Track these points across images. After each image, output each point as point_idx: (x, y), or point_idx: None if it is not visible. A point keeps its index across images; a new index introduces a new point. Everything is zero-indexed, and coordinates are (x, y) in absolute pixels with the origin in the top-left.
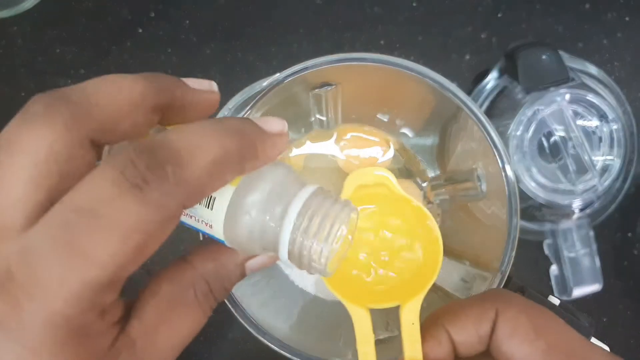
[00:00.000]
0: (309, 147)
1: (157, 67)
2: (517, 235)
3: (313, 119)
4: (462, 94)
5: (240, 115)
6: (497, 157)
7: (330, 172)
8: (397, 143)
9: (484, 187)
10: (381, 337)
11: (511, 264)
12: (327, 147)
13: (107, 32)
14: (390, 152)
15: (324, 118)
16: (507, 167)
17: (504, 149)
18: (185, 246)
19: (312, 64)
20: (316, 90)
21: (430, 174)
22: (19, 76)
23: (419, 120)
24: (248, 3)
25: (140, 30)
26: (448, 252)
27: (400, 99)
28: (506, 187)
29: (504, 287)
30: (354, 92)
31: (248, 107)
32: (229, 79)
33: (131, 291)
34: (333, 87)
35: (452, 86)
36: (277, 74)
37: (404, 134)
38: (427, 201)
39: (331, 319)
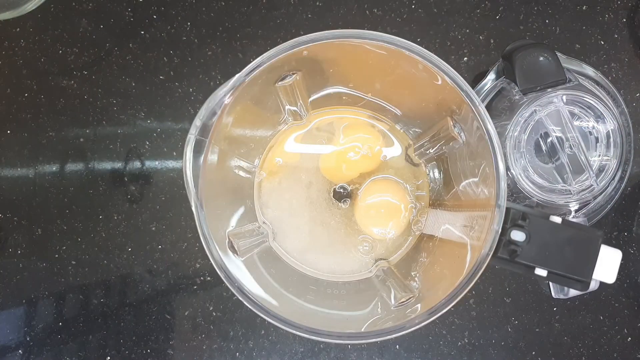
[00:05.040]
0: (289, 142)
1: (159, 69)
2: (505, 170)
3: (286, 111)
4: (439, 62)
5: (213, 121)
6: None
7: (313, 168)
8: (388, 123)
9: (463, 136)
10: (402, 300)
11: (506, 196)
12: (314, 147)
13: (109, 33)
14: (380, 140)
15: (295, 108)
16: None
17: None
18: (186, 246)
19: (267, 56)
20: (280, 82)
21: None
22: (21, 77)
23: (405, 98)
24: (249, 4)
25: (142, 32)
26: (446, 207)
27: (384, 78)
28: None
29: (505, 218)
30: (345, 72)
31: (219, 112)
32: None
33: (132, 291)
34: (295, 75)
35: (436, 59)
36: (237, 75)
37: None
38: (413, 163)
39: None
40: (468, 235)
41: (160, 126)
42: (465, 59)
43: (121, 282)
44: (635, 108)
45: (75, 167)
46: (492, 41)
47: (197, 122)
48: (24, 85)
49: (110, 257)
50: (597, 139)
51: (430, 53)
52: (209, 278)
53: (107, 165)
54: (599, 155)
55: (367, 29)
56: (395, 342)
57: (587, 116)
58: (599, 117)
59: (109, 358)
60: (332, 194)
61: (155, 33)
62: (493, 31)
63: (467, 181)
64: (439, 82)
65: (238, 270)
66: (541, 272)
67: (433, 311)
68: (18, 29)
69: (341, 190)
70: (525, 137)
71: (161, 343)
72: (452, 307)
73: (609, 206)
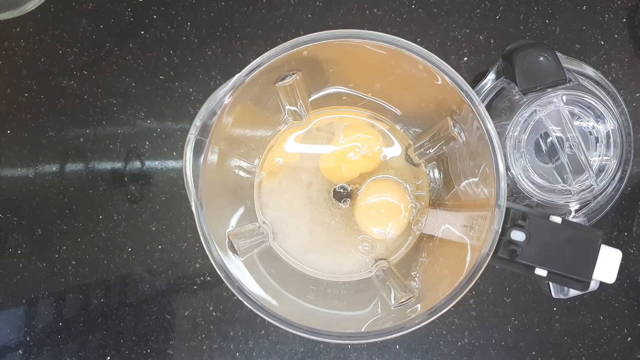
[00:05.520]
0: (289, 142)
1: (159, 69)
2: (505, 170)
3: (286, 111)
4: (439, 62)
5: (213, 121)
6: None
7: (313, 168)
8: (388, 123)
9: (463, 136)
10: (402, 300)
11: (506, 196)
12: (316, 148)
13: (109, 33)
14: (380, 141)
15: (295, 108)
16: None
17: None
18: (186, 246)
19: (267, 56)
20: (280, 82)
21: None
22: (21, 77)
23: (405, 98)
24: (249, 4)
25: (142, 32)
26: (446, 207)
27: (386, 79)
28: (487, 135)
29: (505, 218)
30: (345, 72)
31: (219, 112)
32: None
33: (132, 291)
34: (295, 75)
35: (436, 59)
36: (237, 75)
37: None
38: (413, 163)
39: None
40: (468, 235)
41: (160, 126)
42: (465, 59)
43: (121, 282)
44: (635, 108)
45: (75, 167)
46: (492, 41)
47: (197, 122)
48: (24, 85)
49: (110, 257)
50: (597, 139)
51: (430, 53)
52: (209, 278)
53: (107, 165)
54: (599, 155)
55: (367, 29)
56: (395, 342)
57: (587, 116)
58: (599, 117)
59: (109, 358)
60: (332, 194)
61: (155, 33)
62: (493, 31)
63: (467, 181)
64: (439, 82)
65: (238, 270)
66: (541, 272)
67: (433, 311)
68: (18, 29)
69: (341, 190)
70: (525, 137)
71: (161, 343)
72: (452, 307)
73: (609, 206)
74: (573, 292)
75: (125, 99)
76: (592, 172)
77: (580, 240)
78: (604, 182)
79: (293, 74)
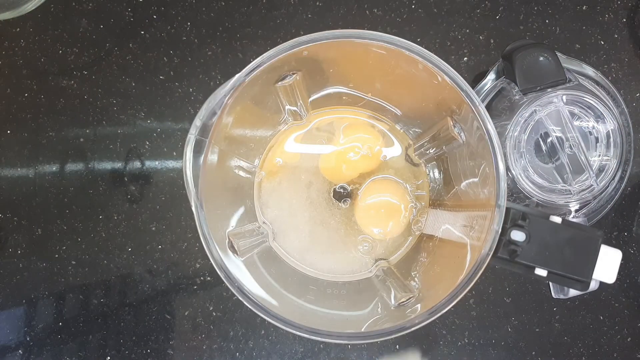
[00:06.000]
0: (289, 142)
1: (159, 69)
2: (505, 170)
3: (286, 111)
4: (438, 62)
5: (213, 121)
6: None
7: (313, 168)
8: (388, 123)
9: (463, 136)
10: (402, 300)
11: (506, 196)
12: (316, 148)
13: (109, 33)
14: (380, 141)
15: (295, 108)
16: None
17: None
18: (186, 246)
19: (267, 56)
20: (280, 82)
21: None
22: (21, 77)
23: (405, 97)
24: (249, 4)
25: (142, 32)
26: (446, 207)
27: (386, 78)
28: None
29: (505, 218)
30: (345, 72)
31: (219, 112)
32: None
33: (132, 291)
34: (295, 75)
35: (436, 59)
36: (237, 75)
37: (393, 111)
38: (413, 163)
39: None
40: (468, 235)
41: (160, 126)
42: (465, 59)
43: (121, 282)
44: (635, 108)
45: (75, 167)
46: (492, 41)
47: (197, 122)
48: (24, 85)
49: (110, 257)
50: (597, 139)
51: (430, 53)
52: (209, 278)
53: (107, 165)
54: (599, 155)
55: (367, 29)
56: (395, 342)
57: (587, 116)
58: (599, 117)
59: (109, 358)
60: (332, 194)
61: (155, 33)
62: (493, 31)
63: (467, 181)
64: (439, 82)
65: (238, 270)
66: (541, 272)
67: (433, 311)
68: (18, 29)
69: (341, 190)
70: (525, 137)
71: (161, 343)
72: (452, 307)
73: (609, 206)
74: (573, 292)
75: (125, 99)
76: (592, 172)
77: (580, 240)
78: (604, 182)
79: (293, 74)
